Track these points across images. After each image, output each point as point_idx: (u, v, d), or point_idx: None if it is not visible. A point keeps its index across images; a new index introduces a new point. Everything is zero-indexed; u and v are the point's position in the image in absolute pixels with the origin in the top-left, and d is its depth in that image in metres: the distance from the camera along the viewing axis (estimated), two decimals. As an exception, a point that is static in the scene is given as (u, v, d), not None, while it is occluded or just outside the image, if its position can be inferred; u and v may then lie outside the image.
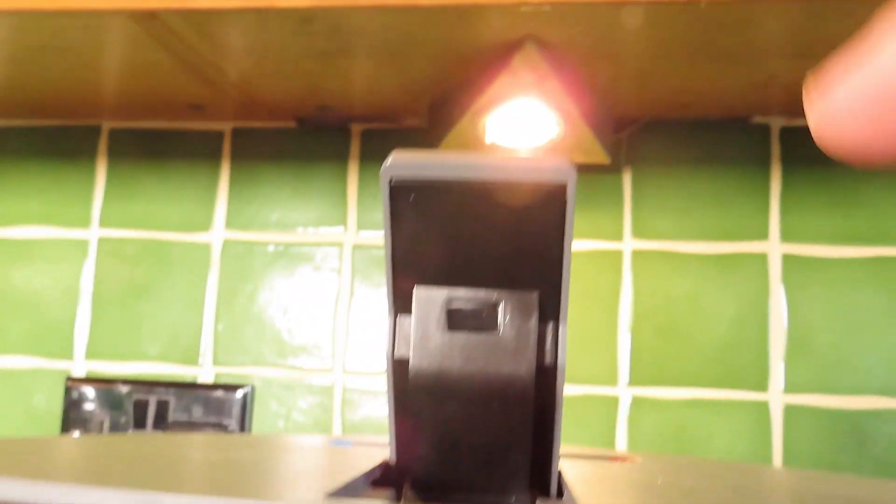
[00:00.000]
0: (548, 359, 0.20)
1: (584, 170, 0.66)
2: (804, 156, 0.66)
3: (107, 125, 0.72)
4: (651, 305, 0.65)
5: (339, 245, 0.68)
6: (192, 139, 0.70)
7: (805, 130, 0.65)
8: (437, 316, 0.20)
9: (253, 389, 0.67)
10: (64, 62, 0.60)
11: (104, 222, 0.70)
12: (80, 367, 0.69)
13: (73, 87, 0.65)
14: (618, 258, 0.66)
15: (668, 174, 0.66)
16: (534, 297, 0.20)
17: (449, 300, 0.20)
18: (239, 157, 0.70)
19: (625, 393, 0.63)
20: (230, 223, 0.69)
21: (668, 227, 0.65)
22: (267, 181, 0.69)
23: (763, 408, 0.62)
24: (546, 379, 0.21)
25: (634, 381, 0.63)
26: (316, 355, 0.67)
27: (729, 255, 0.65)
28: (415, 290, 0.21)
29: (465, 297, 0.20)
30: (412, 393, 0.21)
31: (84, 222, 0.70)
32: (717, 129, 0.67)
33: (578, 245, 0.66)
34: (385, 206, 0.19)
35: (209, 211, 0.69)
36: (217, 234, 0.69)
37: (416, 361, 0.20)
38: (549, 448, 0.22)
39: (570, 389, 0.65)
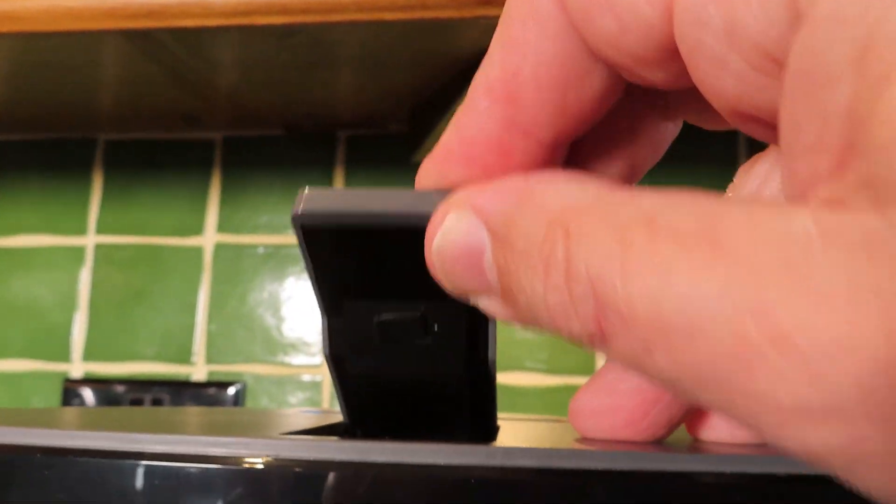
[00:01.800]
0: (480, 355, 0.21)
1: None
2: (768, 155, 0.69)
3: (103, 137, 0.75)
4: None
5: (326, 247, 0.71)
6: (184, 148, 0.74)
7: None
8: (367, 325, 0.21)
9: (245, 386, 0.70)
10: (61, 78, 0.63)
11: (100, 229, 0.73)
12: (77, 368, 0.71)
13: (70, 101, 0.68)
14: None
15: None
16: (459, 303, 0.20)
17: (377, 312, 0.20)
18: (230, 165, 0.73)
19: (600, 384, 0.66)
20: (221, 227, 0.72)
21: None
22: (257, 187, 0.72)
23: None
24: (479, 375, 0.21)
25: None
26: (305, 352, 0.70)
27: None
28: (344, 304, 0.21)
29: (392, 308, 0.20)
30: (354, 387, 0.22)
31: (81, 230, 0.73)
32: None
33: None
34: (301, 246, 0.19)
35: (201, 216, 0.72)
36: (209, 238, 0.72)
37: (353, 364, 0.21)
38: (490, 416, 0.24)
39: (550, 380, 0.68)
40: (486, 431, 0.24)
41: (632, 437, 0.21)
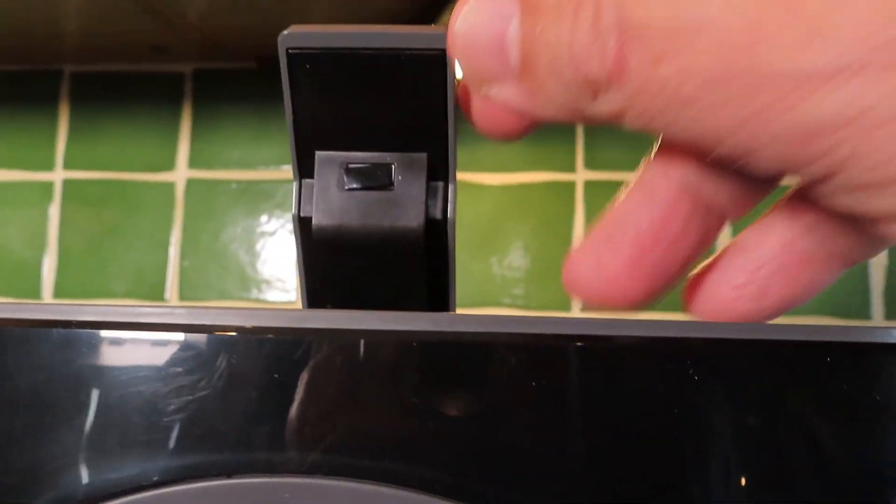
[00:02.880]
0: (438, 213, 0.23)
1: (537, 103, 0.68)
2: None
3: (69, 69, 0.73)
4: (603, 235, 0.67)
5: (301, 182, 0.69)
6: (154, 81, 0.71)
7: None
8: (336, 177, 0.22)
9: (219, 323, 0.69)
10: (23, 6, 0.61)
11: (68, 164, 0.71)
12: (50, 306, 0.70)
13: (34, 31, 0.66)
14: (571, 189, 0.68)
15: (620, 108, 0.68)
16: (423, 158, 0.22)
17: (346, 162, 0.22)
18: (201, 99, 0.71)
19: (578, 319, 0.66)
20: (193, 163, 0.70)
21: (620, 158, 0.67)
22: (229, 121, 0.70)
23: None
24: (438, 232, 0.23)
25: (587, 308, 0.66)
26: (279, 288, 0.69)
27: (678, 184, 0.67)
28: (316, 155, 0.23)
29: (360, 158, 0.22)
30: (316, 248, 0.23)
31: (48, 165, 0.71)
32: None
33: (532, 176, 0.68)
34: (283, 76, 0.21)
35: (172, 151, 0.71)
36: (180, 173, 0.70)
37: (318, 219, 0.22)
38: (445, 299, 0.24)
39: (526, 315, 0.67)
40: (441, 309, 0.23)
41: (626, 294, 0.20)
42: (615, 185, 0.68)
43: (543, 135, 0.68)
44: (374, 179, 0.22)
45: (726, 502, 0.16)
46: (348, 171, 0.22)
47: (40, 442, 0.16)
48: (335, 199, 0.22)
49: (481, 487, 0.16)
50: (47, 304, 0.18)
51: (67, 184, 0.71)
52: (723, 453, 0.16)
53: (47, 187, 0.71)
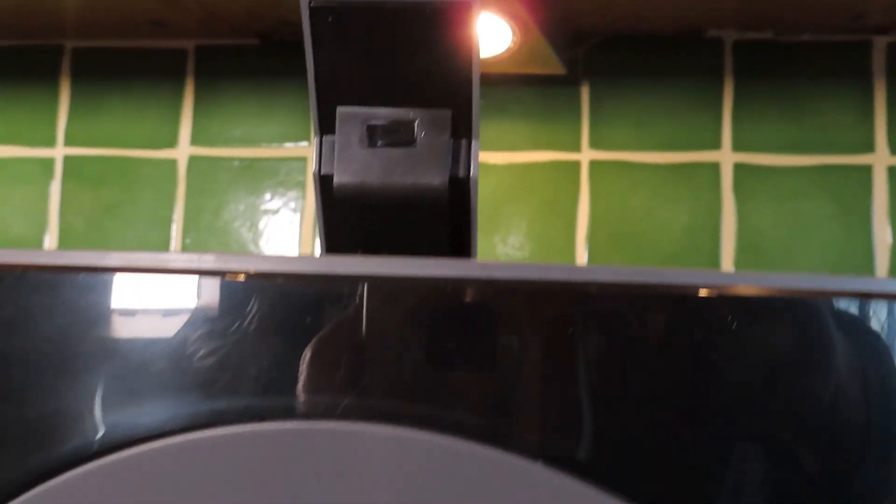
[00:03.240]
0: (461, 171, 0.22)
1: (543, 82, 0.67)
2: (755, 68, 0.67)
3: (69, 44, 0.72)
4: (608, 214, 0.67)
5: (304, 159, 0.69)
6: (156, 57, 0.71)
7: (756, 43, 0.67)
8: (357, 133, 0.22)
9: (221, 301, 0.68)
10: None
11: (69, 141, 0.71)
12: (50, 283, 0.70)
13: (34, 7, 0.65)
14: (576, 168, 0.67)
15: (625, 87, 0.68)
16: (447, 114, 0.22)
17: (368, 118, 0.22)
18: (202, 75, 0.70)
19: (582, 298, 0.66)
20: (195, 140, 0.70)
21: (625, 138, 0.67)
22: (231, 98, 0.70)
23: (714, 310, 0.65)
24: (460, 190, 0.22)
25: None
26: (282, 266, 0.69)
27: (683, 164, 0.67)
28: (337, 111, 0.22)
29: (383, 114, 0.22)
30: (337, 206, 0.22)
31: (49, 141, 0.71)
32: (671, 43, 0.68)
33: (538, 156, 0.68)
34: (305, 29, 0.21)
35: (174, 128, 0.70)
36: (182, 150, 0.70)
37: (340, 176, 0.22)
38: (467, 257, 0.23)
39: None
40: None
41: None
42: (620, 166, 0.68)
43: (548, 114, 0.68)
44: (397, 136, 0.22)
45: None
46: (371, 129, 0.22)
47: (70, 386, 0.16)
48: (357, 156, 0.22)
49: (513, 430, 0.16)
50: (76, 251, 0.18)
51: (68, 160, 0.71)
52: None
53: (48, 164, 0.71)
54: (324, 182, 0.23)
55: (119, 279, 0.17)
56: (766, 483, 0.17)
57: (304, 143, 0.69)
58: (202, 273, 0.17)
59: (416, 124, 0.22)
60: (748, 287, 0.17)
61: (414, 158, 0.22)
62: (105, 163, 0.70)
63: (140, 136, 0.70)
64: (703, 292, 0.17)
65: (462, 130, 0.23)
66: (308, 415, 0.16)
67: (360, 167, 0.22)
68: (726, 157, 0.66)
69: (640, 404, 0.16)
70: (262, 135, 0.69)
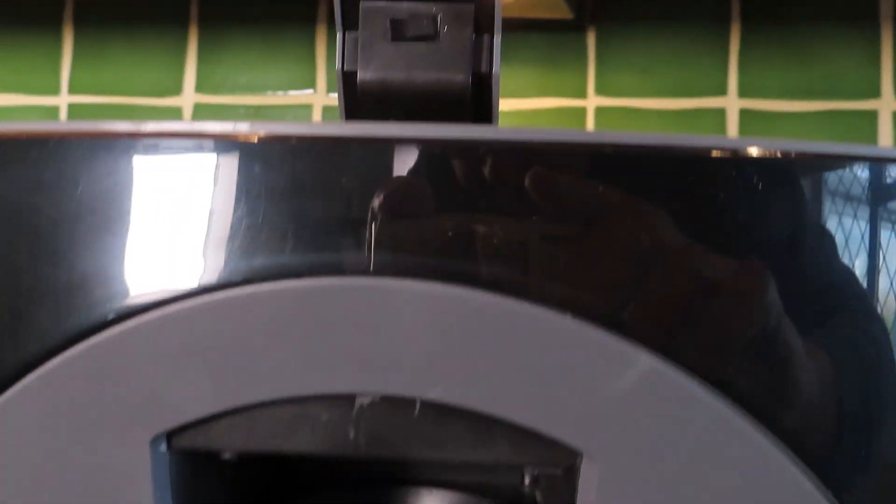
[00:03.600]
0: (483, 66, 0.22)
1: (549, 26, 0.67)
2: (762, 14, 0.67)
3: (72, -9, 0.71)
4: (613, 161, 0.67)
5: (310, 107, 0.69)
6: (159, 3, 0.70)
7: (764, -12, 0.66)
8: (381, 28, 0.22)
9: (228, 247, 0.68)
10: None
11: (73, 89, 0.71)
12: (57, 231, 0.70)
13: (35, -47, 0.64)
14: (581, 115, 0.67)
15: (631, 33, 0.68)
16: (469, 8, 0.22)
17: (392, 12, 0.22)
18: (207, 21, 0.70)
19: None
20: (200, 87, 0.70)
21: (631, 84, 0.67)
22: (236, 44, 0.70)
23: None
24: (483, 86, 0.22)
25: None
26: (289, 211, 0.69)
27: (689, 110, 0.67)
28: (360, 5, 0.22)
29: (406, 8, 0.22)
30: (360, 102, 0.23)
31: (53, 89, 0.71)
32: (678, -12, 0.68)
33: (543, 102, 0.68)
34: None
35: (179, 75, 0.70)
36: (187, 97, 0.70)
37: (363, 73, 0.22)
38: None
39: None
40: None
41: None
42: (626, 112, 0.68)
43: (554, 60, 0.68)
44: (421, 31, 0.22)
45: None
46: (394, 23, 0.22)
47: (109, 247, 0.16)
48: (380, 51, 0.22)
49: (543, 284, 0.16)
50: (112, 121, 0.18)
51: (73, 108, 0.71)
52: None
53: (52, 112, 0.71)
54: (347, 79, 0.23)
55: (155, 143, 0.17)
56: (792, 341, 0.17)
57: (310, 91, 0.69)
58: (238, 138, 0.17)
59: (438, 18, 0.22)
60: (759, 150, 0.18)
61: (437, 53, 0.22)
62: (109, 111, 0.70)
63: (144, 84, 0.70)
64: (715, 153, 0.17)
65: (485, 25, 0.23)
66: (343, 270, 0.16)
67: (383, 63, 0.22)
68: (732, 103, 0.66)
69: (667, 263, 0.17)
70: (268, 82, 0.69)
